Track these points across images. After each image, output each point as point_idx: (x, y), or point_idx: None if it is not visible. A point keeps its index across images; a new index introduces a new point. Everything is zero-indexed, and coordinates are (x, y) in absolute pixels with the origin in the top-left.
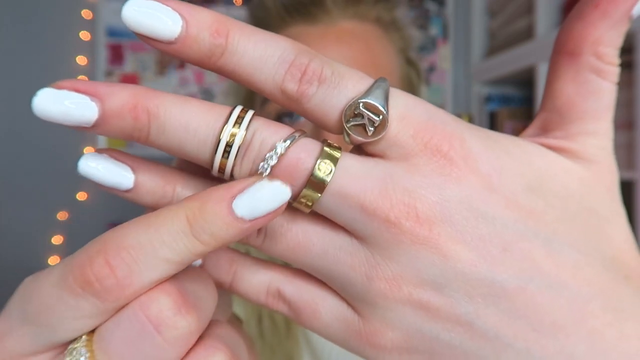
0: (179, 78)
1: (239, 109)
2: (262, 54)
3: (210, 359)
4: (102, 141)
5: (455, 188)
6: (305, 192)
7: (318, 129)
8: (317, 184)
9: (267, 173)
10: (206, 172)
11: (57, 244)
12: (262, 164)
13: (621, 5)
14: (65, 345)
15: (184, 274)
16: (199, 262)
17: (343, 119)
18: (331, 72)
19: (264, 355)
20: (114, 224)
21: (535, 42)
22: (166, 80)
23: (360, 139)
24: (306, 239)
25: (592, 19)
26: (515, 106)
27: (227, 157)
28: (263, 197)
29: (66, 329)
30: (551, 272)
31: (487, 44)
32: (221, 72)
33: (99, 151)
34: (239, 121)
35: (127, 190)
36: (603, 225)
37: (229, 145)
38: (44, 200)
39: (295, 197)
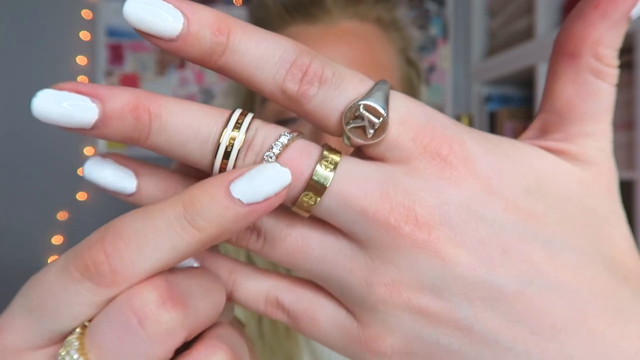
0: (179, 78)
1: (238, 112)
2: (264, 53)
3: (211, 358)
4: (102, 142)
5: (455, 191)
6: (305, 195)
7: (318, 133)
8: (317, 186)
9: None
10: (206, 176)
11: (57, 244)
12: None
13: (621, 6)
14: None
15: (181, 271)
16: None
17: (343, 120)
18: (332, 73)
19: (264, 356)
20: None
21: (535, 42)
22: (166, 80)
23: (360, 141)
24: (305, 243)
25: (592, 20)
26: (515, 106)
27: (228, 158)
28: (262, 178)
29: (64, 316)
30: (551, 273)
31: (487, 44)
32: (222, 71)
33: (104, 156)
34: (237, 126)
35: (130, 195)
36: (602, 226)
37: (229, 146)
38: (44, 200)
39: (294, 201)
